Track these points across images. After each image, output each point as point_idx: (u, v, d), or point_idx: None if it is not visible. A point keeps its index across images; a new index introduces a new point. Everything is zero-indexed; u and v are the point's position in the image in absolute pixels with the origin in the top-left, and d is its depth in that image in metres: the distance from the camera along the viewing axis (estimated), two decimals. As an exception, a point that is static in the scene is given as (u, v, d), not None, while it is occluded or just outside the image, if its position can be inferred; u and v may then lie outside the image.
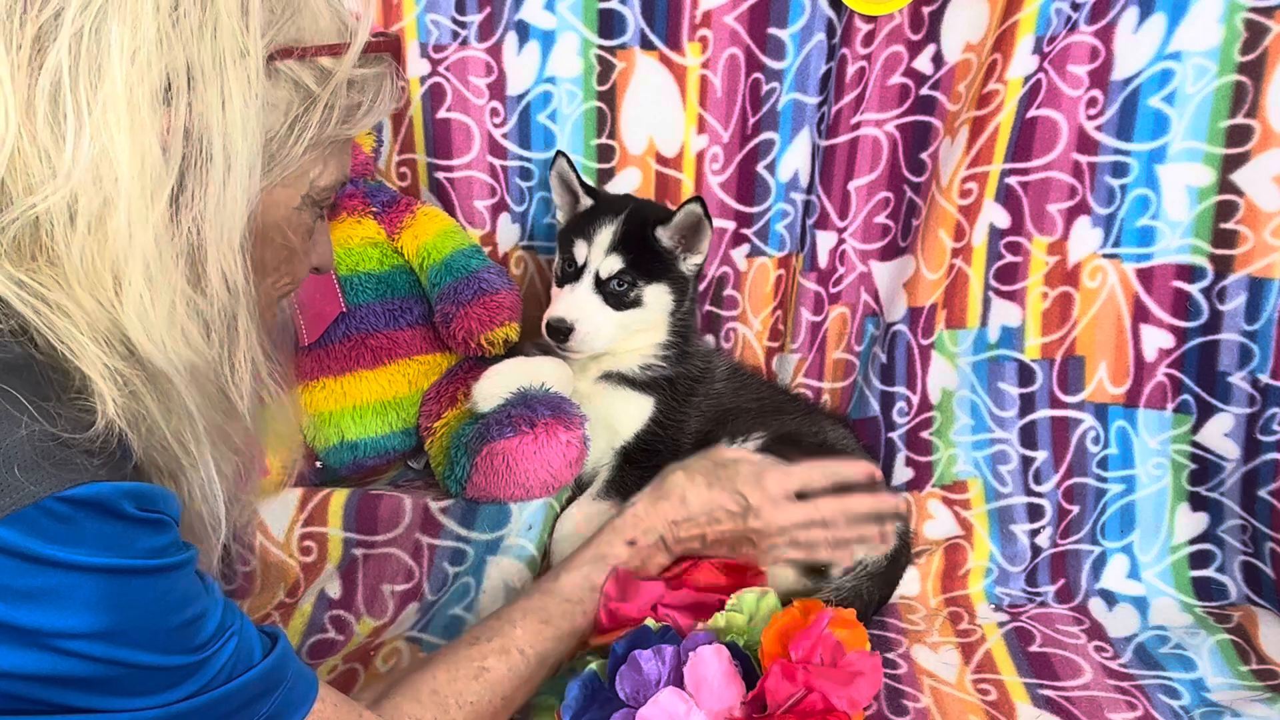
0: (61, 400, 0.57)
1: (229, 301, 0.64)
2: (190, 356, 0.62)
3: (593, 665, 0.88)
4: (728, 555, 1.01)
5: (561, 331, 1.16)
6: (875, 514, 1.02)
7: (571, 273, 1.20)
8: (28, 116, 0.57)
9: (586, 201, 1.23)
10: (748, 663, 0.87)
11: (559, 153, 1.24)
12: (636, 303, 1.19)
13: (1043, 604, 1.21)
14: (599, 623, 0.93)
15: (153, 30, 0.58)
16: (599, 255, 1.18)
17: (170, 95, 0.59)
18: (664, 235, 1.19)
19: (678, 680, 0.84)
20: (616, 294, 1.18)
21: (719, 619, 0.90)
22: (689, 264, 1.21)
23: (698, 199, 1.17)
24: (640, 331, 1.21)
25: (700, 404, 1.22)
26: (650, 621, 0.90)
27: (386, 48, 0.70)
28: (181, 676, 0.61)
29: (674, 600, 0.95)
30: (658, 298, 1.20)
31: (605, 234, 1.18)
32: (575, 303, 1.18)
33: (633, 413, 1.20)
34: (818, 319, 1.32)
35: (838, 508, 1.00)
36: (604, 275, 1.17)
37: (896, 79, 1.23)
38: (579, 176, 1.24)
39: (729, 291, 1.35)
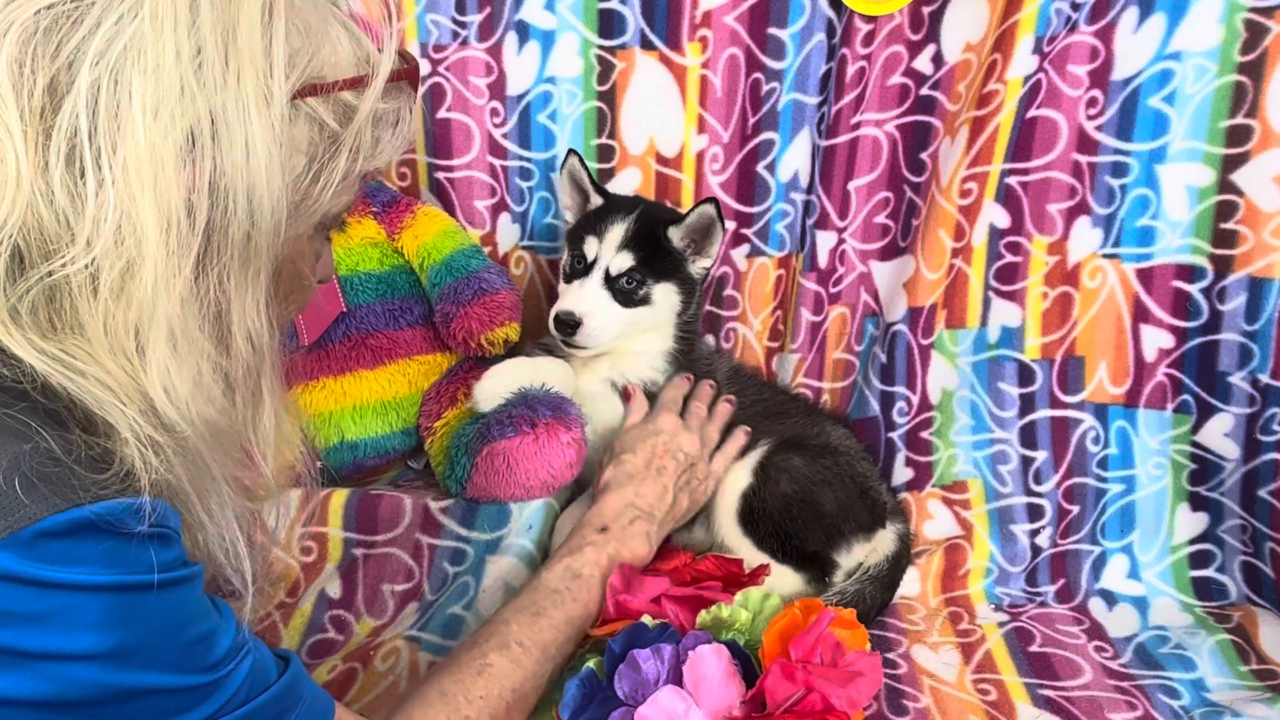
0: (86, 431, 0.55)
1: (254, 360, 0.61)
2: (214, 417, 0.59)
3: (590, 664, 0.88)
4: (692, 498, 1.12)
5: (569, 325, 1.16)
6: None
7: (580, 269, 1.19)
8: (41, 175, 0.53)
9: (597, 200, 1.23)
10: (748, 662, 0.87)
11: (571, 151, 1.25)
12: (645, 301, 1.19)
13: (1043, 604, 1.21)
14: (605, 613, 0.94)
15: (175, 80, 0.54)
16: (610, 252, 1.18)
17: (195, 150, 0.55)
18: (675, 236, 1.19)
19: (677, 679, 0.84)
20: (625, 291, 1.18)
21: (721, 609, 0.91)
22: (698, 266, 1.22)
23: (712, 200, 1.17)
24: (646, 332, 1.21)
25: None
26: (647, 618, 0.90)
27: (407, 76, 0.67)
28: (198, 699, 0.59)
29: (678, 594, 0.95)
30: (666, 297, 1.20)
31: (617, 231, 1.18)
32: (584, 297, 1.17)
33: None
34: (818, 319, 1.32)
35: (700, 409, 1.18)
36: (614, 272, 1.17)
37: (896, 79, 1.23)
38: (590, 175, 1.24)
39: (729, 291, 1.35)
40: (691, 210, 1.18)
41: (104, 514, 0.54)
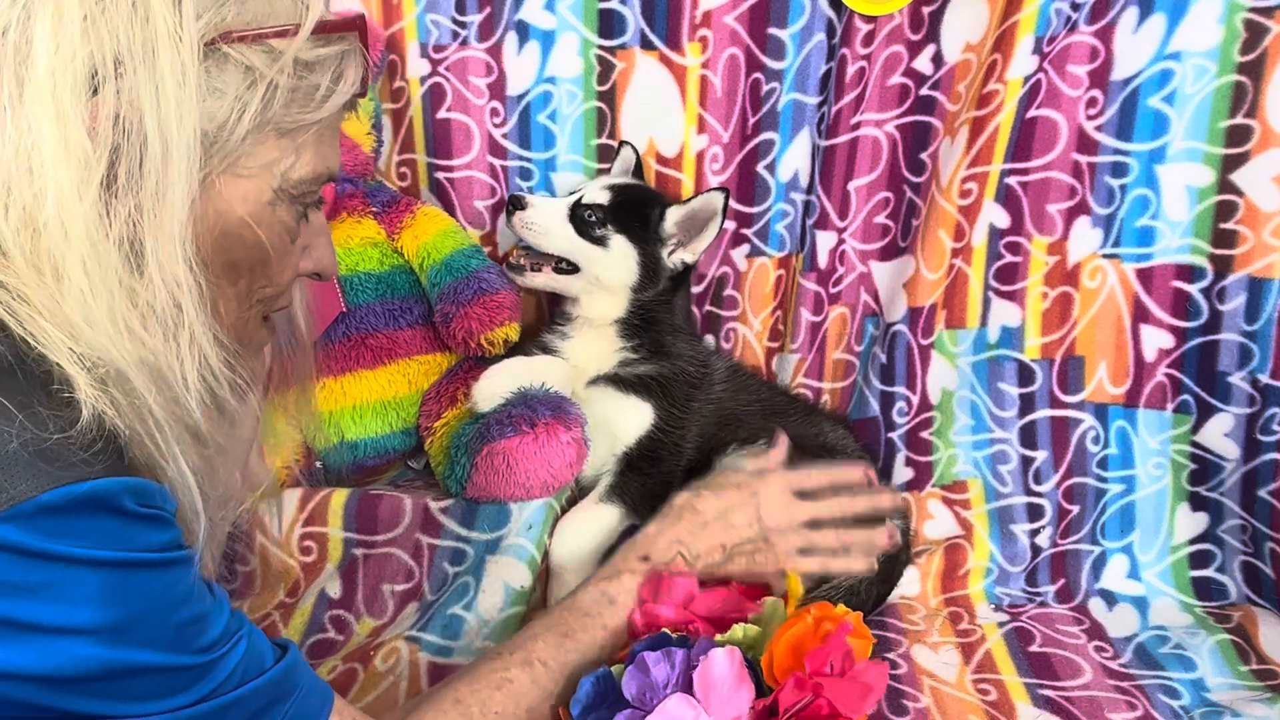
0: (50, 397, 0.56)
1: (171, 292, 0.61)
2: (136, 350, 0.60)
3: (611, 667, 0.88)
4: (747, 568, 1.01)
5: (517, 203, 1.19)
6: (874, 512, 1.04)
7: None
8: None
9: None
10: (755, 671, 0.87)
11: (624, 143, 1.28)
12: (600, 242, 1.19)
13: (1043, 604, 1.21)
14: (632, 629, 0.93)
15: (78, 18, 0.57)
16: (594, 187, 1.21)
17: (97, 81, 0.58)
18: (672, 218, 1.19)
19: (686, 685, 0.83)
20: (586, 222, 1.19)
21: (736, 631, 0.89)
22: (675, 257, 1.21)
23: (724, 191, 1.18)
24: (597, 291, 1.21)
25: (700, 408, 1.21)
26: (667, 631, 0.89)
27: (342, 28, 0.67)
28: (190, 679, 0.60)
29: (702, 605, 0.94)
30: (621, 254, 1.19)
31: (610, 178, 1.20)
32: (545, 201, 1.21)
33: (632, 419, 1.19)
34: (817, 319, 1.32)
35: (839, 506, 1.02)
36: (586, 201, 1.19)
37: (896, 79, 1.23)
38: (641, 168, 1.27)
39: (729, 291, 1.35)
40: (697, 195, 1.19)
41: (102, 490, 0.56)
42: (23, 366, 0.57)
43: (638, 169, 1.29)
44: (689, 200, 1.20)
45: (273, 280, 0.72)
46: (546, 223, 1.19)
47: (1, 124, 0.57)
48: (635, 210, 1.20)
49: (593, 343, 1.23)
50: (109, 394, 0.58)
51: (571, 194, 1.22)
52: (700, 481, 1.05)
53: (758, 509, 1.00)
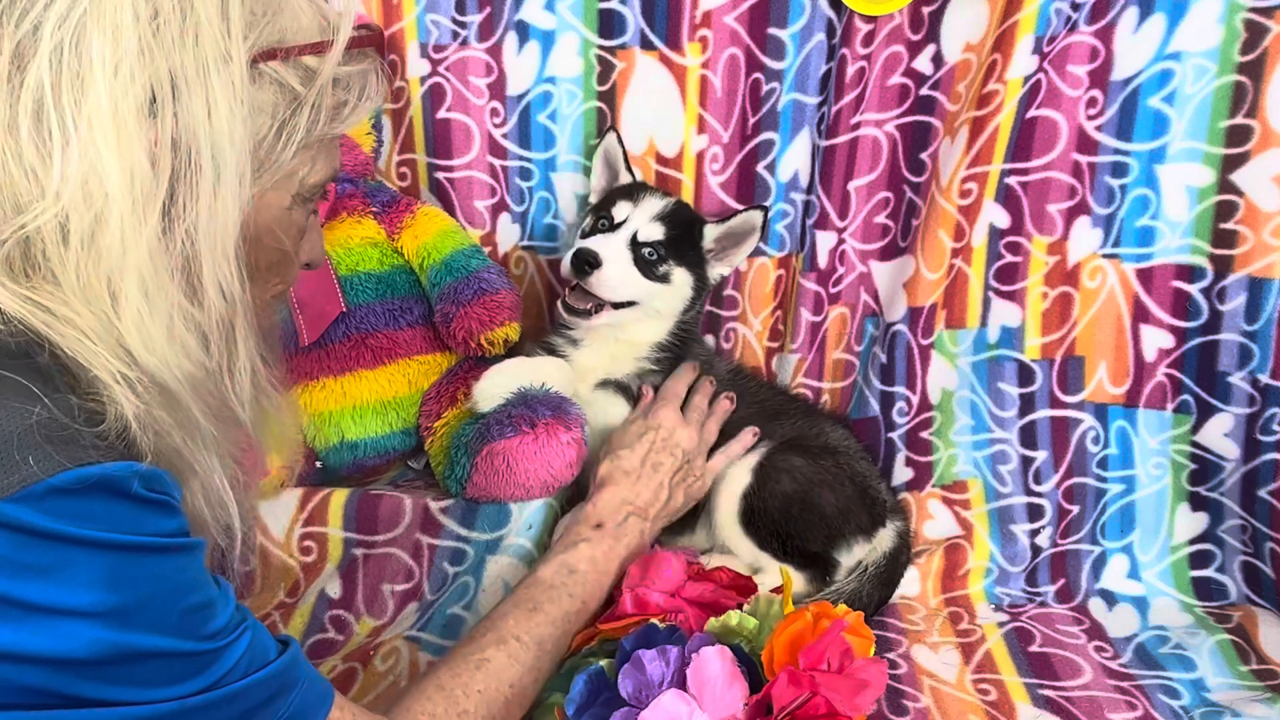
0: (76, 392, 0.57)
1: (226, 311, 0.64)
2: (190, 368, 0.62)
3: (600, 663, 0.88)
4: (687, 496, 1.12)
5: (587, 263, 1.12)
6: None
7: (604, 228, 1.17)
8: (11, 134, 0.57)
9: (627, 179, 1.25)
10: (752, 667, 0.87)
11: (610, 128, 1.26)
12: (664, 279, 1.17)
13: (1043, 604, 1.21)
14: (621, 607, 0.94)
15: (134, 41, 0.57)
16: (642, 218, 1.17)
17: (155, 107, 0.58)
18: (710, 235, 1.19)
19: (680, 681, 0.83)
20: (648, 261, 1.16)
21: (730, 617, 0.91)
22: (715, 271, 1.22)
23: (763, 209, 1.19)
24: (648, 319, 1.20)
25: None
26: (655, 621, 0.90)
27: (370, 43, 0.70)
28: (196, 667, 0.60)
29: (692, 593, 0.96)
30: (682, 286, 1.19)
31: (654, 203, 1.18)
32: (609, 245, 1.14)
33: None
34: (817, 319, 1.32)
35: (700, 401, 1.18)
36: (642, 238, 1.16)
37: (896, 79, 1.23)
38: (625, 154, 1.25)
39: (729, 291, 1.35)
40: (737, 214, 1.18)
41: (112, 474, 0.56)
42: (46, 363, 0.58)
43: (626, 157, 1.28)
44: (728, 218, 1.20)
45: (285, 278, 0.75)
46: (620, 276, 1.14)
47: (62, 148, 0.56)
48: (687, 236, 1.19)
49: (611, 351, 1.22)
50: (152, 412, 0.60)
51: (616, 225, 1.17)
52: (606, 447, 1.13)
53: (666, 439, 1.12)
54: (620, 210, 1.19)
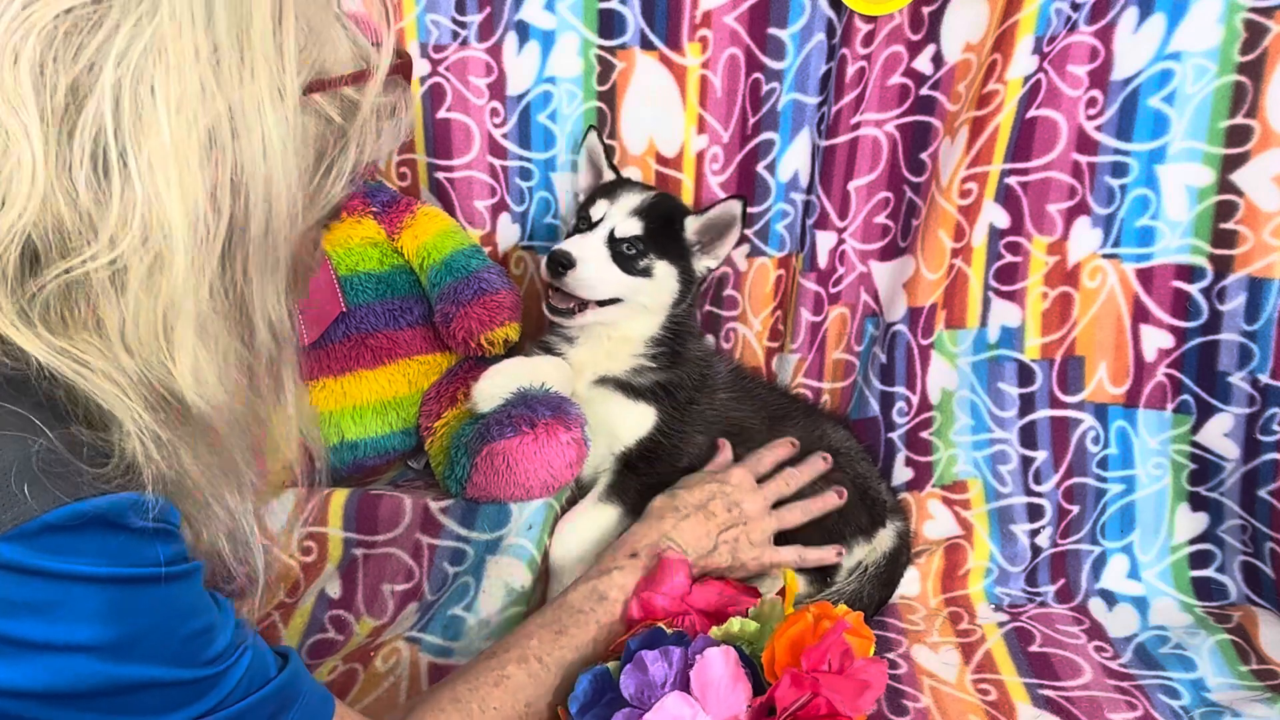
0: (83, 424, 0.56)
1: (275, 350, 0.63)
2: (238, 408, 0.61)
3: (608, 665, 0.88)
4: (731, 555, 1.06)
5: (561, 264, 1.12)
6: (815, 475, 1.16)
7: (584, 228, 1.18)
8: (63, 175, 0.54)
9: (610, 177, 1.25)
10: (754, 668, 0.87)
11: (591, 127, 1.26)
12: (645, 273, 1.17)
13: (1043, 604, 1.21)
14: (628, 617, 0.94)
15: (195, 78, 0.55)
16: (619, 215, 1.17)
17: (215, 145, 0.56)
18: (691, 227, 1.19)
19: (684, 683, 0.83)
20: (626, 257, 1.16)
21: (734, 624, 0.90)
22: (702, 264, 1.21)
23: (741, 198, 1.17)
24: (637, 315, 1.19)
25: (703, 413, 1.21)
26: (662, 626, 0.90)
27: (403, 70, 0.68)
28: (196, 693, 0.60)
29: (699, 599, 0.96)
30: (666, 278, 1.18)
31: (631, 199, 1.18)
32: (583, 245, 1.15)
33: (633, 422, 1.18)
34: (817, 319, 1.32)
35: (791, 480, 1.14)
36: (619, 235, 1.16)
37: (896, 79, 1.23)
38: (607, 153, 1.25)
39: (729, 291, 1.35)
40: (715, 204, 1.18)
41: (107, 508, 0.55)
42: (69, 399, 0.56)
43: (608, 154, 1.28)
44: (707, 209, 1.19)
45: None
46: (596, 274, 1.14)
47: (122, 190, 0.54)
48: (667, 229, 1.18)
49: (605, 348, 1.22)
50: (165, 452, 0.58)
51: (594, 224, 1.18)
52: (670, 487, 1.11)
53: (729, 494, 1.08)
54: (598, 209, 1.19)
